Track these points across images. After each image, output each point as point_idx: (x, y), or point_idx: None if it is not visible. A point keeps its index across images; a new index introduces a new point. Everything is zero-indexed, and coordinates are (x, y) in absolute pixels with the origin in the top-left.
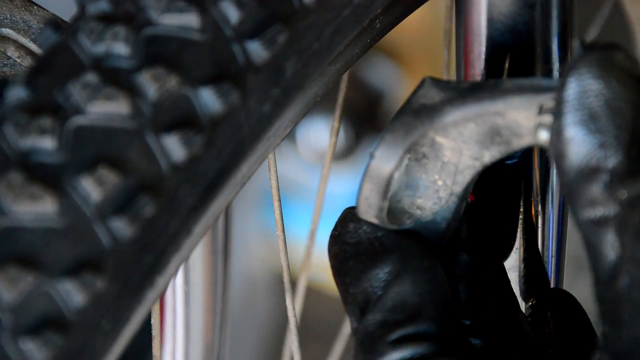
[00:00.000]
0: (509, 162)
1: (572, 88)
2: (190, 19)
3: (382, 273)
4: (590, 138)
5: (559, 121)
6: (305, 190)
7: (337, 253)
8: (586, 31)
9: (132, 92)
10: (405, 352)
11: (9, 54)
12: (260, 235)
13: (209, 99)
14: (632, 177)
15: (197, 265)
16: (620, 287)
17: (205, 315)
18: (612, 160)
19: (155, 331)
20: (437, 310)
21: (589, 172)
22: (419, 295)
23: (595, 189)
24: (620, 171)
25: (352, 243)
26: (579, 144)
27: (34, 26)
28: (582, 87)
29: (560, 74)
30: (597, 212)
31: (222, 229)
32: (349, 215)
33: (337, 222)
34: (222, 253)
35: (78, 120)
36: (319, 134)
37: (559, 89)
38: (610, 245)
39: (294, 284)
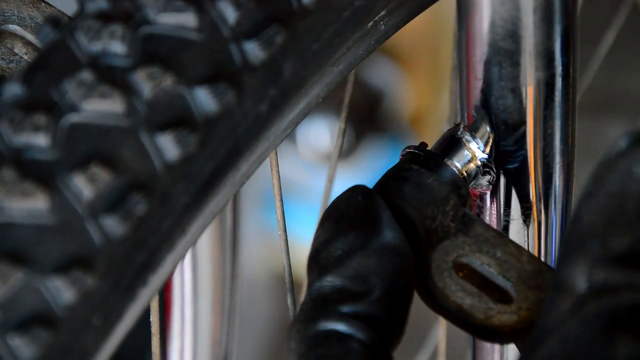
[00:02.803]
0: (510, 166)
1: (612, 177)
2: (187, 19)
3: (352, 238)
4: (614, 214)
5: (594, 186)
6: (305, 190)
7: (325, 214)
8: (604, 34)
9: (127, 90)
10: (350, 329)
11: (16, 50)
12: (261, 235)
13: (204, 99)
14: (620, 266)
15: (205, 262)
16: (541, 355)
17: (213, 312)
18: (616, 242)
19: (154, 328)
20: (392, 296)
21: (590, 239)
22: (380, 276)
23: (583, 256)
24: (615, 256)
25: (341, 209)
26: (601, 212)
27: (41, 23)
28: (621, 179)
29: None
30: (569, 278)
31: (230, 226)
32: (353, 188)
33: (341, 194)
34: (230, 250)
35: (72, 118)
36: (319, 134)
37: (598, 172)
38: (555, 311)
39: (296, 284)
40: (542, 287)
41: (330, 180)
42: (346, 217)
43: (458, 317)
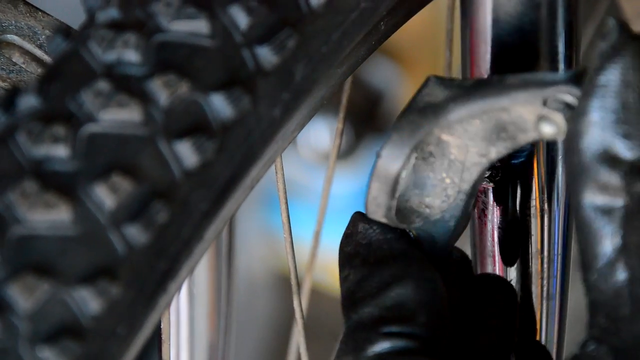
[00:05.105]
0: (515, 161)
1: (610, 74)
2: (200, 26)
3: (385, 275)
4: (617, 125)
5: (586, 102)
6: (305, 190)
7: (347, 251)
8: (583, 29)
9: (144, 99)
10: (396, 343)
11: (14, 60)
12: (261, 235)
13: (220, 105)
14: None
15: (202, 267)
16: (619, 280)
17: (210, 317)
18: (634, 153)
19: (165, 335)
20: (431, 319)
21: (607, 158)
22: (417, 302)
23: (610, 177)
24: None
25: (363, 244)
26: (604, 128)
27: (38, 32)
28: (620, 75)
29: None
30: (605, 200)
31: (226, 231)
32: (359, 217)
33: (349, 223)
34: (226, 255)
35: (91, 128)
36: (319, 134)
37: (595, 70)
38: (611, 235)
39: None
40: None
41: (329, 181)
42: (372, 254)
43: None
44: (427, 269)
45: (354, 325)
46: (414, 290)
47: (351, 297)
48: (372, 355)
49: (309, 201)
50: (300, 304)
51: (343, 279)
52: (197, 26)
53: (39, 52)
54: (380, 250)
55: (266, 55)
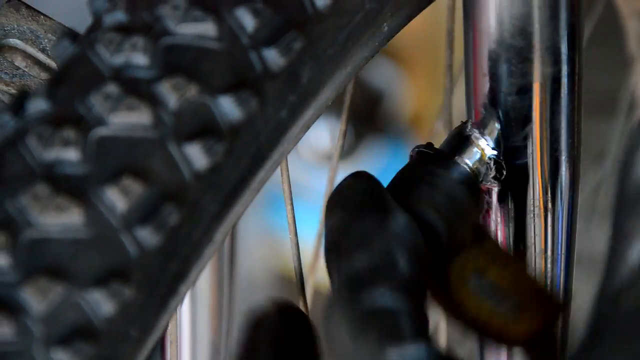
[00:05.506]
0: (518, 162)
1: None
2: (207, 28)
3: (368, 223)
4: None
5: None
6: (305, 190)
7: (330, 200)
8: None
9: (153, 101)
10: (394, 302)
11: (16, 64)
12: (262, 236)
13: (228, 107)
14: None
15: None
16: (621, 312)
17: (212, 318)
18: None
19: (172, 336)
20: (416, 265)
21: None
22: (402, 250)
23: None
24: None
25: (345, 194)
26: None
27: (41, 36)
28: None
29: None
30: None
31: None
32: (350, 175)
33: (342, 180)
34: (228, 256)
35: (101, 131)
36: (320, 134)
37: None
38: (633, 259)
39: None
40: (541, 308)
41: (331, 182)
42: (354, 202)
43: (476, 326)
44: (408, 218)
45: (349, 277)
46: (394, 238)
47: (335, 248)
48: (368, 310)
49: (309, 202)
50: (305, 304)
51: (326, 230)
52: (204, 29)
53: (41, 56)
54: (362, 199)
55: (273, 57)
